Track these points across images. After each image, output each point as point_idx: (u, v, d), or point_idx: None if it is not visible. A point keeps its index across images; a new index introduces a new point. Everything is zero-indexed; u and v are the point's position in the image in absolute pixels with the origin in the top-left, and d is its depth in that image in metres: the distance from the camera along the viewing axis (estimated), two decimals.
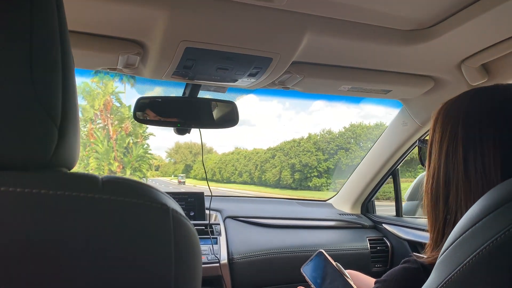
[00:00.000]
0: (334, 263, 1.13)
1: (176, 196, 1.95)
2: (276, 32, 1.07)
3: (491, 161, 0.73)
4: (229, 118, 1.55)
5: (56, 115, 0.40)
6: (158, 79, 1.31)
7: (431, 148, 0.84)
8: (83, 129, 27.29)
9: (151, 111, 1.48)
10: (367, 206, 2.29)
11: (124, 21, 1.01)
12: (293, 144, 36.11)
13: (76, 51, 1.10)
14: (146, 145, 29.28)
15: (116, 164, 27.14)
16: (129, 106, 25.62)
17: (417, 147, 0.99)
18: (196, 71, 1.23)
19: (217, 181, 41.70)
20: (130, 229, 0.39)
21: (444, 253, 0.59)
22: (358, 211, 2.30)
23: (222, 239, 1.76)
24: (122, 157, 27.44)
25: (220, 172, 42.23)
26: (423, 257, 0.84)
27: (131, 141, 28.08)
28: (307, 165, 33.20)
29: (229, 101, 1.55)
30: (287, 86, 1.44)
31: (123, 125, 27.58)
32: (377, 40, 1.16)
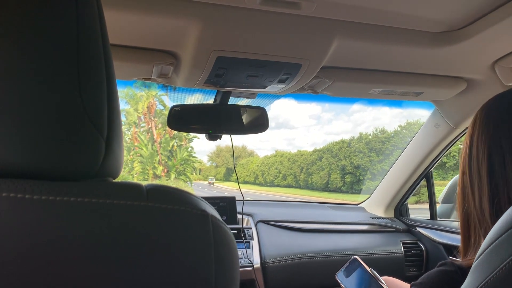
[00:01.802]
0: (368, 269, 1.13)
1: (209, 200, 1.98)
2: (305, 39, 1.09)
3: None
4: (259, 123, 1.58)
5: (102, 126, 0.43)
6: (191, 87, 1.34)
7: (470, 151, 0.83)
8: (127, 132, 27.44)
9: (184, 118, 1.52)
10: (400, 210, 2.26)
11: (158, 33, 1.05)
12: (342, 145, 34.75)
13: (114, 63, 1.15)
14: (190, 148, 29.11)
15: (161, 168, 26.97)
16: None
17: (450, 149, 0.98)
18: (227, 79, 1.26)
19: (259, 184, 41.09)
20: (174, 234, 0.41)
21: (480, 257, 0.59)
22: (391, 215, 2.27)
23: (255, 243, 1.78)
24: (166, 160, 27.30)
25: (263, 175, 41.60)
26: (459, 260, 0.84)
27: (175, 144, 27.87)
28: (359, 167, 31.67)
29: (258, 107, 1.57)
30: (317, 91, 1.44)
31: (167, 128, 27.34)
32: (406, 43, 1.16)
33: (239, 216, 1.95)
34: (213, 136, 1.60)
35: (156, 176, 26.65)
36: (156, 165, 26.79)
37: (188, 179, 28.13)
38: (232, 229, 1.81)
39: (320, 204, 2.50)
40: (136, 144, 26.73)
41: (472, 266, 0.60)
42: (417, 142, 1.97)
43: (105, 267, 0.38)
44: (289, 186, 37.79)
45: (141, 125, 27.29)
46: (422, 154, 1.93)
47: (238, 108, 1.58)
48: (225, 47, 1.08)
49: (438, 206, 2.14)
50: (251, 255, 1.70)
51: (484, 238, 0.62)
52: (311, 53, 1.14)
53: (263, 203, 2.40)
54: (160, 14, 0.96)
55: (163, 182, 24.26)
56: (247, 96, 1.57)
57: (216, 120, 1.54)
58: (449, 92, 1.49)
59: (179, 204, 0.43)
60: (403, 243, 1.99)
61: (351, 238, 1.98)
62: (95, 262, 0.37)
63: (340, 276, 1.19)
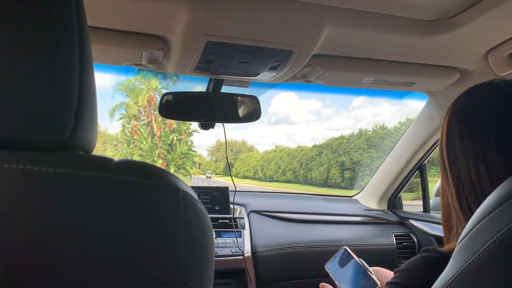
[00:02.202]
0: (357, 259, 1.13)
1: (202, 190, 1.98)
2: (295, 25, 1.08)
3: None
4: (252, 112, 1.57)
5: (72, 100, 0.42)
6: (182, 74, 1.33)
7: (451, 146, 0.83)
8: (127, 126, 27.43)
9: (175, 106, 1.52)
10: (393, 202, 2.26)
11: (146, 17, 1.04)
12: (342, 141, 34.61)
13: (101, 47, 1.14)
14: (190, 142, 28.95)
15: (160, 161, 26.75)
16: None
17: None
18: (218, 65, 1.25)
19: (259, 179, 41.08)
20: (141, 207, 0.41)
21: (462, 241, 0.59)
22: (385, 207, 2.28)
23: (246, 233, 1.78)
24: (166, 154, 27.16)
25: (263, 170, 41.57)
26: (442, 246, 0.84)
27: (175, 138, 27.72)
28: (359, 163, 31.53)
29: (251, 95, 1.56)
30: (309, 80, 1.44)
31: (167, 122, 27.12)
32: (399, 31, 1.15)
33: (231, 206, 1.94)
34: (206, 125, 1.59)
35: None
36: (155, 158, 26.61)
37: (187, 173, 27.99)
38: (224, 218, 1.81)
39: (314, 195, 2.50)
40: (136, 137, 26.64)
41: (454, 251, 0.60)
42: (410, 134, 1.97)
43: (66, 238, 0.37)
44: (288, 181, 37.73)
45: (141, 118, 27.23)
46: (416, 146, 1.93)
47: (231, 96, 1.56)
48: (214, 31, 1.07)
49: (431, 199, 2.15)
50: (242, 244, 1.70)
51: (463, 227, 0.62)
52: (302, 40, 1.13)
53: (257, 194, 2.40)
54: None
55: None
56: (240, 85, 1.56)
57: (208, 109, 1.53)
58: (442, 82, 1.48)
59: (148, 178, 0.42)
60: (395, 235, 2.00)
61: (343, 229, 1.99)
62: (56, 232, 0.37)
63: (329, 267, 1.19)
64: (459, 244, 0.60)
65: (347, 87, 1.54)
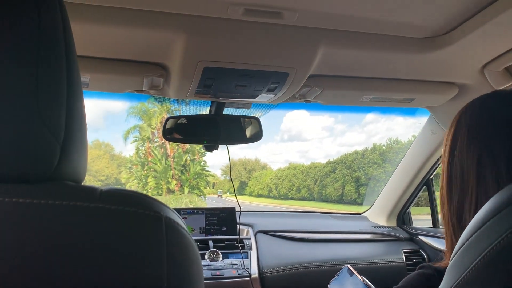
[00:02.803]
0: (360, 277, 1.12)
1: (209, 211, 1.99)
2: (290, 48, 1.10)
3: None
4: (254, 133, 1.59)
5: (58, 132, 0.44)
6: (182, 98, 1.37)
7: (453, 155, 0.83)
8: (141, 148, 27.53)
9: (179, 129, 1.55)
10: (403, 218, 2.24)
11: (145, 46, 1.08)
12: (356, 156, 34.18)
13: (103, 76, 1.18)
14: (203, 162, 28.81)
15: (174, 182, 26.81)
16: None
17: None
18: (217, 89, 1.28)
19: (273, 197, 40.56)
20: (125, 235, 0.42)
21: (454, 258, 0.59)
22: (394, 223, 2.26)
23: (253, 253, 1.77)
24: (179, 175, 27.13)
25: (277, 188, 41.04)
26: (438, 263, 0.84)
27: (188, 159, 27.64)
28: (374, 178, 30.63)
29: (253, 116, 1.59)
30: (308, 99, 1.46)
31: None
32: (393, 50, 1.17)
33: (239, 226, 1.95)
34: (209, 147, 1.62)
35: (170, 191, 26.43)
36: (169, 179, 26.63)
37: (201, 193, 27.87)
38: (231, 239, 1.81)
39: (322, 214, 2.49)
40: (150, 159, 26.73)
41: (448, 266, 0.61)
42: (415, 150, 1.96)
43: (53, 267, 0.38)
44: (303, 198, 37.18)
45: (155, 140, 27.30)
46: (421, 162, 1.93)
47: (233, 118, 1.59)
48: (211, 57, 1.10)
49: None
50: (249, 266, 1.70)
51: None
52: (297, 62, 1.16)
53: (264, 213, 2.40)
54: (146, 27, 0.99)
55: (177, 196, 24.01)
56: (242, 106, 1.59)
57: (211, 131, 1.56)
58: (441, 97, 1.49)
59: (131, 206, 0.43)
60: (404, 252, 1.97)
61: (352, 248, 1.97)
62: (43, 262, 0.38)
63: (332, 286, 1.18)
64: (451, 261, 0.60)
65: (347, 105, 1.56)
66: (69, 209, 0.41)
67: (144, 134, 27.24)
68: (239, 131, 1.61)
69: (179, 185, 27.00)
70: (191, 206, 16.74)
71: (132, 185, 27.22)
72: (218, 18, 1.00)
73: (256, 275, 1.68)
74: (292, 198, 38.43)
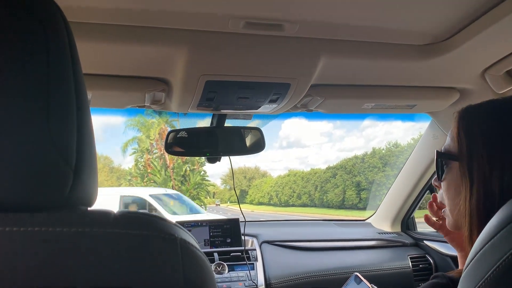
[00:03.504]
0: (369, 285, 1.12)
1: (213, 223, 1.98)
2: (291, 59, 1.11)
3: None
4: (256, 143, 1.59)
5: (70, 157, 0.44)
6: (185, 112, 1.37)
7: (470, 161, 0.81)
8: (140, 160, 27.23)
9: (181, 142, 1.55)
10: (407, 223, 2.23)
11: (147, 62, 1.08)
12: (356, 161, 33.90)
13: (105, 93, 1.18)
14: (203, 172, 28.14)
15: None
16: None
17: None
18: (219, 102, 1.28)
19: (274, 205, 40.10)
20: (140, 259, 0.42)
21: (467, 269, 0.59)
22: (398, 229, 2.25)
23: (259, 264, 1.77)
24: (180, 185, 26.64)
25: (277, 196, 40.58)
26: (451, 272, 0.83)
27: (188, 169, 27.05)
28: (375, 182, 30.42)
29: (255, 127, 1.59)
30: (310, 109, 1.46)
31: None
32: (394, 57, 1.17)
33: (243, 237, 1.94)
34: (212, 159, 1.62)
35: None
36: None
37: (202, 203, 27.09)
38: (236, 251, 1.80)
39: (326, 221, 2.48)
40: (149, 170, 26.36)
41: (461, 278, 0.60)
42: (417, 155, 1.96)
43: None
44: (304, 205, 36.60)
45: (154, 151, 26.97)
46: (423, 166, 1.92)
47: (235, 130, 1.59)
48: (212, 71, 1.10)
49: None
50: (256, 277, 1.69)
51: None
52: (299, 73, 1.16)
53: (267, 223, 2.39)
54: (148, 43, 0.99)
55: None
56: (242, 117, 1.59)
57: (213, 143, 1.56)
58: (443, 103, 1.49)
59: (146, 230, 0.43)
60: (410, 258, 1.96)
61: (357, 255, 1.96)
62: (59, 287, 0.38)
63: None
64: (465, 269, 0.59)
65: (348, 113, 1.56)
66: (85, 236, 0.40)
67: (143, 145, 27.01)
68: (241, 142, 1.61)
69: None
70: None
71: None
72: (219, 32, 1.01)
73: (263, 286, 1.66)
74: (293, 205, 37.98)
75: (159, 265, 0.43)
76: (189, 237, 0.48)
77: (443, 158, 0.89)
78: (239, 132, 1.60)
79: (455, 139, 0.84)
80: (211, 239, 1.93)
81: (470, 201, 0.80)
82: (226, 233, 1.96)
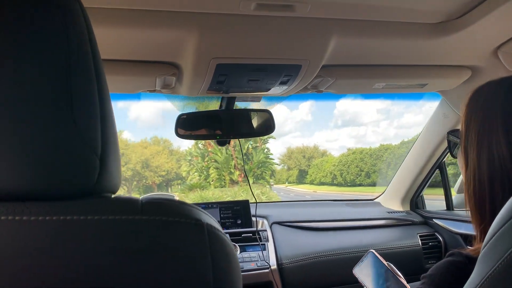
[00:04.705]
0: (385, 262, 1.13)
1: (224, 205, 2.00)
2: (302, 40, 1.09)
3: None
4: (266, 125, 1.59)
5: (96, 145, 0.44)
6: (195, 95, 1.36)
7: (466, 144, 0.82)
8: None
9: (191, 126, 1.55)
10: (416, 202, 2.24)
11: (157, 46, 1.08)
12: None
13: (116, 78, 1.18)
14: (266, 150, 26.57)
15: (237, 172, 24.79)
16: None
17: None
18: (229, 85, 1.28)
19: (338, 185, 38.06)
20: (170, 245, 0.42)
21: (485, 247, 0.59)
22: (407, 208, 2.26)
23: (270, 245, 1.78)
24: (242, 164, 25.34)
25: (342, 175, 38.15)
26: (467, 249, 0.83)
27: (250, 147, 25.76)
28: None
29: (264, 109, 1.58)
30: (321, 90, 1.45)
31: None
32: (406, 36, 1.16)
33: (254, 219, 1.96)
34: (222, 142, 1.62)
35: (233, 182, 24.66)
36: (232, 170, 24.86)
37: (267, 183, 25.76)
38: (247, 232, 1.82)
39: (336, 202, 2.50)
40: (210, 149, 25.03)
41: (479, 256, 0.60)
42: (427, 134, 1.96)
43: (103, 282, 0.39)
44: (373, 184, 34.39)
45: None
46: (433, 145, 1.92)
47: (244, 112, 1.59)
48: (223, 54, 1.09)
49: (454, 196, 2.12)
50: (267, 257, 1.71)
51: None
52: (310, 54, 1.15)
53: (277, 204, 2.40)
54: (158, 27, 0.99)
55: (241, 188, 21.77)
56: (252, 99, 1.59)
57: (223, 126, 1.56)
58: (454, 81, 1.48)
59: (173, 216, 0.44)
60: (420, 236, 1.98)
61: (367, 234, 1.98)
62: (94, 278, 0.39)
63: (357, 271, 1.19)
64: (483, 249, 0.60)
65: (359, 93, 1.55)
66: (115, 223, 0.41)
67: None
68: (250, 124, 1.61)
69: (242, 175, 24.86)
70: (263, 197, 15.27)
71: (194, 178, 25.74)
72: (230, 14, 0.99)
73: (275, 266, 1.69)
74: (361, 185, 35.82)
75: (188, 250, 0.43)
76: (214, 222, 0.48)
77: (450, 135, 0.90)
78: (249, 115, 1.60)
79: (462, 118, 0.84)
80: (221, 221, 1.94)
81: (467, 179, 0.82)
82: (237, 214, 1.98)
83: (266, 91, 1.39)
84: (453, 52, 1.28)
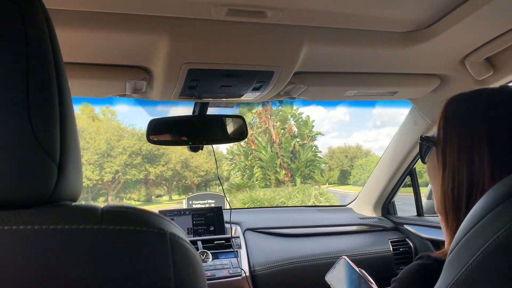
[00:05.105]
0: (357, 269, 1.13)
1: (196, 212, 1.98)
2: (274, 46, 1.10)
3: None
4: (239, 131, 1.58)
5: (54, 152, 0.42)
6: (166, 100, 1.34)
7: (444, 148, 0.84)
8: None
9: (162, 131, 1.53)
10: (387, 208, 2.27)
11: (127, 50, 1.06)
12: None
13: (84, 81, 1.15)
14: (314, 147, 24.25)
15: (283, 172, 22.80)
16: (291, 104, 18.09)
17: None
18: (201, 90, 1.26)
19: None
20: (129, 256, 0.41)
21: (451, 253, 0.59)
22: (379, 214, 2.29)
23: (243, 252, 1.77)
24: (289, 163, 22.97)
25: None
26: (436, 252, 0.84)
27: (297, 144, 23.44)
28: None
29: (237, 115, 1.58)
30: (293, 96, 1.45)
31: (286, 126, 23.02)
32: (376, 45, 1.17)
33: (227, 225, 1.94)
34: (194, 148, 1.60)
35: (279, 182, 22.59)
36: (278, 169, 22.66)
37: (316, 183, 22.82)
38: (220, 239, 1.80)
39: (308, 207, 2.51)
40: (253, 147, 23.06)
41: (446, 262, 0.61)
42: (398, 141, 1.99)
43: None
44: (425, 184, 34.32)
45: (257, 126, 23.57)
46: (404, 152, 1.95)
47: (217, 118, 1.58)
48: (195, 59, 1.08)
49: (424, 202, 2.16)
50: (240, 264, 1.70)
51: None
52: (282, 60, 1.15)
53: (250, 210, 2.40)
54: (129, 31, 0.97)
55: (301, 188, 18.27)
56: (225, 105, 1.58)
57: (195, 131, 1.54)
58: (424, 89, 1.51)
59: (134, 224, 0.42)
60: (391, 242, 2.00)
61: (339, 240, 1.99)
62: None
63: (329, 278, 1.19)
64: (449, 255, 0.60)
65: (331, 100, 1.56)
66: (72, 233, 0.39)
67: (246, 120, 23.67)
68: (223, 130, 1.60)
69: (289, 175, 22.85)
70: (322, 198, 14.81)
71: (236, 177, 23.90)
72: (201, 19, 0.99)
73: (248, 273, 1.67)
74: (410, 185, 35.34)
75: (149, 260, 0.42)
76: (178, 230, 0.47)
77: (423, 142, 0.92)
78: (222, 121, 1.59)
79: (437, 125, 0.86)
80: (194, 228, 1.92)
81: (442, 186, 0.83)
82: (209, 221, 1.96)
83: (239, 97, 1.38)
84: (422, 61, 1.31)
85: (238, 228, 1.95)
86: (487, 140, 0.76)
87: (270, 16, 0.99)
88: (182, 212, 1.95)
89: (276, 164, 22.52)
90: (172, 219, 1.90)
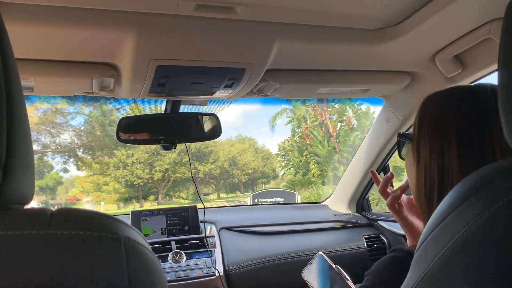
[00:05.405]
0: (333, 265, 1.13)
1: (170, 212, 1.95)
2: (245, 43, 1.08)
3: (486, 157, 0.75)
4: (212, 129, 1.56)
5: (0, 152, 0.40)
6: (136, 98, 1.31)
7: (418, 144, 0.85)
8: (297, 130, 22.33)
9: (133, 130, 1.49)
10: (362, 205, 2.29)
11: (93, 46, 1.02)
12: None
13: (49, 79, 1.11)
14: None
15: (342, 168, 20.19)
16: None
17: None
18: (172, 87, 1.24)
19: None
20: (80, 262, 0.39)
21: (419, 250, 0.59)
22: (354, 210, 2.30)
23: (217, 251, 1.75)
24: (349, 158, 19.94)
25: None
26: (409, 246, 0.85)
27: (357, 138, 20.94)
28: None
29: (211, 113, 1.55)
30: (266, 94, 1.44)
31: (344, 118, 20.99)
32: (347, 42, 1.17)
33: (202, 224, 1.92)
34: (167, 146, 1.57)
35: (337, 179, 19.48)
36: (336, 165, 20.82)
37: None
38: (194, 238, 1.78)
39: (283, 205, 2.51)
40: (308, 142, 21.67)
41: (413, 259, 0.61)
42: (371, 138, 2.00)
43: None
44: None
45: (312, 119, 21.97)
46: (377, 149, 1.96)
47: (190, 116, 1.56)
48: (164, 55, 1.06)
49: None
50: (214, 264, 1.68)
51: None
52: (253, 57, 1.14)
53: (226, 209, 2.39)
54: (93, 26, 0.94)
55: None
56: (199, 103, 1.55)
57: (167, 130, 1.51)
58: (395, 87, 1.52)
59: (85, 229, 0.40)
60: (365, 238, 2.02)
61: (315, 237, 1.99)
62: None
63: (306, 274, 1.18)
64: (416, 252, 0.60)
65: (304, 98, 1.56)
66: (22, 239, 0.37)
67: (299, 113, 21.64)
68: (197, 128, 1.57)
69: None
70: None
71: (290, 174, 22.53)
72: (169, 14, 0.96)
73: (222, 273, 1.66)
74: None
75: (102, 266, 0.40)
76: (136, 234, 0.45)
77: (400, 138, 0.94)
78: (195, 118, 1.57)
79: (414, 122, 0.88)
80: (168, 228, 1.89)
81: (416, 180, 0.85)
82: (184, 221, 1.93)
83: (212, 95, 1.36)
84: (392, 58, 1.32)
85: (213, 227, 1.93)
86: (455, 136, 0.78)
87: (239, 12, 0.97)
88: (156, 212, 1.92)
89: (334, 159, 20.87)
90: (146, 219, 1.87)
